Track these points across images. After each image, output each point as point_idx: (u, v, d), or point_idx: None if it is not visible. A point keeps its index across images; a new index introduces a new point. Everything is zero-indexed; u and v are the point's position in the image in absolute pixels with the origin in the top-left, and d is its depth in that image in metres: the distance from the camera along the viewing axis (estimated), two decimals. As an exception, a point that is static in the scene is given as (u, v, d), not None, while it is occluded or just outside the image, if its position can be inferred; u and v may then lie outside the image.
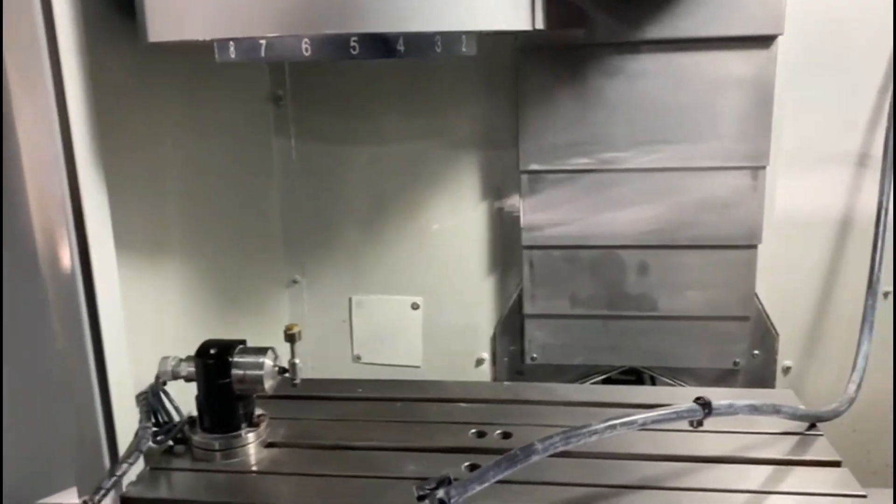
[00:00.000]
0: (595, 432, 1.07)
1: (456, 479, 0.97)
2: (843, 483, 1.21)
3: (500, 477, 1.00)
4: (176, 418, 1.35)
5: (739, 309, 1.80)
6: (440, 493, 0.94)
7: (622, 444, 1.28)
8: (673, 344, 1.84)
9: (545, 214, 1.81)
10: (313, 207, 2.00)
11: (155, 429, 1.30)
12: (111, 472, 1.16)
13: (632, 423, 1.10)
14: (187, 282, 1.56)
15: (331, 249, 2.02)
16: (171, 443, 1.34)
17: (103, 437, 1.21)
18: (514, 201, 1.88)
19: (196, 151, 1.60)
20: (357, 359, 2.06)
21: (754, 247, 1.77)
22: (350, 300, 2.03)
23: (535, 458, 1.02)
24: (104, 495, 1.12)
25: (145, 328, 1.38)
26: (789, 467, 1.26)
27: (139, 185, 1.39)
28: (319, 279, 2.02)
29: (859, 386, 1.60)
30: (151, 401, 1.31)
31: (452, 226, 1.96)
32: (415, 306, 2.01)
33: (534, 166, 1.77)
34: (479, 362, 2.00)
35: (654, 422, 1.12)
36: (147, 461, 1.29)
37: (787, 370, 1.91)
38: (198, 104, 1.61)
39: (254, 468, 1.26)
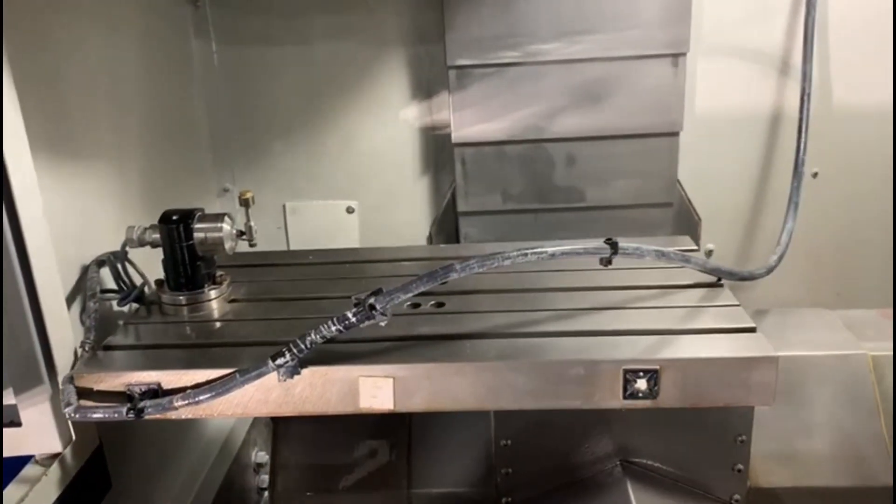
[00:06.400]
0: (508, 258, 1.11)
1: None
2: (737, 318, 1.24)
3: (422, 289, 1.09)
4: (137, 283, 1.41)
5: (663, 196, 1.87)
6: (371, 300, 1.07)
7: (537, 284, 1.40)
8: (601, 232, 1.89)
9: (474, 111, 1.82)
10: (240, 113, 1.96)
11: (117, 294, 1.36)
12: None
13: (542, 252, 1.14)
14: (118, 190, 1.52)
15: (260, 156, 2.00)
16: (135, 305, 1.39)
17: (38, 347, 1.20)
18: (443, 99, 1.88)
19: (114, 55, 1.54)
20: (295, 266, 2.07)
21: (676, 134, 1.82)
22: (284, 207, 2.02)
23: (453, 276, 1.10)
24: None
25: (75, 237, 1.36)
26: (694, 310, 1.30)
27: (52, 89, 1.34)
28: (251, 187, 2.00)
29: (780, 258, 1.69)
30: (117, 267, 1.36)
31: (383, 127, 1.96)
32: (350, 210, 2.02)
33: (461, 61, 1.77)
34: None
35: (563, 254, 1.16)
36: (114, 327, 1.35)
37: (709, 253, 2.01)
38: (113, 4, 1.53)
39: (219, 318, 1.35)
